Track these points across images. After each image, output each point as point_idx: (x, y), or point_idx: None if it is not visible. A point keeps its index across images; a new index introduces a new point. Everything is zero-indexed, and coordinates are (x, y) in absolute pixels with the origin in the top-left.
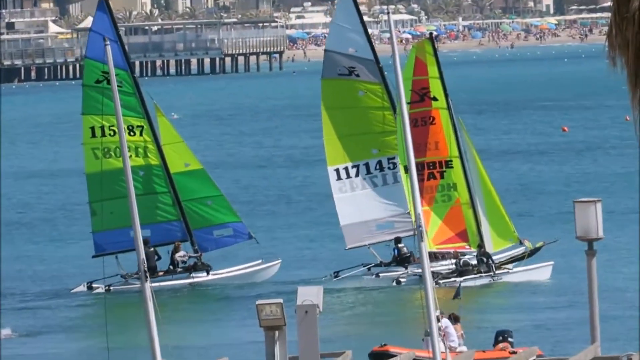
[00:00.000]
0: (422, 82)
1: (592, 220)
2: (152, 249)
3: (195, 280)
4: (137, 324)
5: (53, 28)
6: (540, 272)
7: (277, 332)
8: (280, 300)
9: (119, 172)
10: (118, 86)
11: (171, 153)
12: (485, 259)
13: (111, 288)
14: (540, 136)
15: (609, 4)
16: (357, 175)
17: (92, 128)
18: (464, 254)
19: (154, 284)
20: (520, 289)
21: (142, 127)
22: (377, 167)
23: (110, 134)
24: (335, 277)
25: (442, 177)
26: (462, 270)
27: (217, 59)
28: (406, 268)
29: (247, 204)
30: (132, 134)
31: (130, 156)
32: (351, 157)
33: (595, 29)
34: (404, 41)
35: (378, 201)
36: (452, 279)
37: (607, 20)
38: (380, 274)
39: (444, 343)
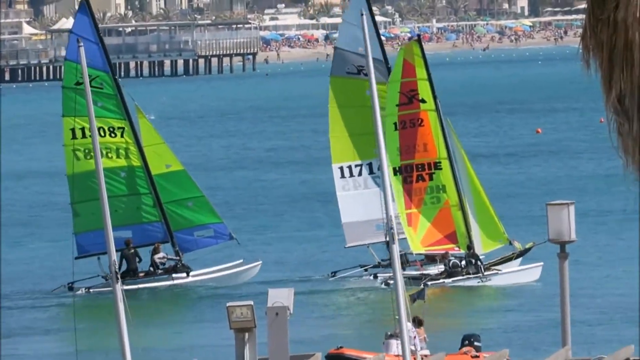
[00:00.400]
0: (411, 84)
1: (565, 223)
2: (132, 250)
3: (175, 282)
4: (110, 326)
5: (27, 29)
6: (529, 273)
7: (247, 334)
8: (251, 303)
9: None
10: (99, 88)
11: (152, 154)
12: (474, 261)
13: (91, 290)
14: (514, 138)
15: (583, 6)
16: (360, 174)
17: (73, 129)
18: (453, 256)
19: (133, 286)
20: (494, 292)
21: (123, 128)
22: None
23: (90, 135)
24: (332, 276)
25: (431, 178)
26: (451, 272)
27: (191, 61)
28: (404, 269)
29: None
30: (113, 135)
31: (112, 157)
32: (356, 156)
33: (570, 30)
34: None
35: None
36: (441, 281)
37: (581, 22)
38: (378, 275)
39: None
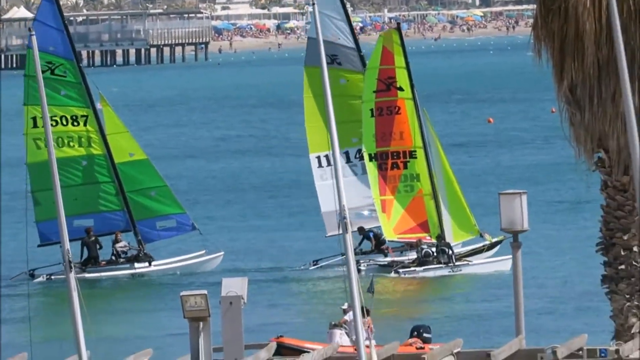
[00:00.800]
0: (389, 72)
1: (517, 212)
2: (93, 238)
3: (137, 270)
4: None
5: None
6: (499, 264)
7: (201, 324)
8: (205, 292)
9: (61, 162)
10: (62, 76)
11: (116, 143)
12: (446, 250)
13: (52, 277)
14: (465, 128)
15: None
16: None
17: (34, 118)
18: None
19: (95, 274)
20: (449, 281)
21: (87, 116)
22: (357, 155)
23: (52, 124)
24: (315, 265)
25: (405, 167)
26: (422, 260)
27: (143, 50)
28: (386, 255)
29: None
30: (75, 124)
31: (73, 146)
32: (365, 147)
33: (522, 21)
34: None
35: (357, 190)
36: (412, 269)
37: (532, 13)
38: (361, 262)
39: (348, 336)
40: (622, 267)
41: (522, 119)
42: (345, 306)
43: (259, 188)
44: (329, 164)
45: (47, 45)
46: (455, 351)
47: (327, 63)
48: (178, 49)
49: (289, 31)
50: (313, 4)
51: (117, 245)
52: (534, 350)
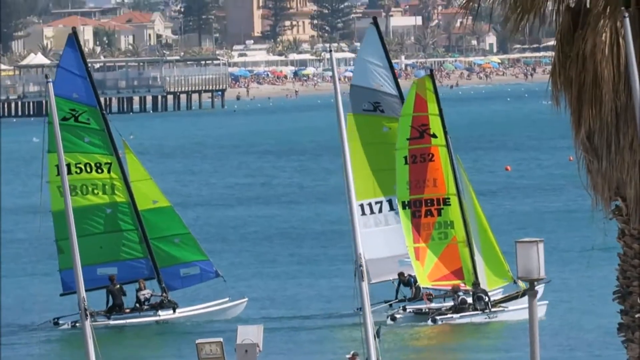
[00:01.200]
0: (422, 119)
1: (534, 261)
2: (117, 286)
3: (161, 317)
4: None
5: None
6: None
7: None
8: (220, 339)
9: (85, 210)
10: (86, 123)
11: (139, 190)
12: (482, 296)
13: (77, 324)
14: (483, 175)
15: (552, 43)
16: (380, 211)
17: (58, 166)
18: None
19: (119, 321)
20: (479, 329)
21: (110, 164)
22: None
23: (76, 172)
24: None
25: (439, 214)
26: (458, 307)
27: (160, 97)
28: (430, 300)
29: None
30: (99, 171)
31: (97, 194)
32: (375, 192)
33: (539, 67)
34: (346, 79)
35: (400, 236)
36: (449, 316)
37: (550, 60)
38: (407, 308)
39: None
40: (639, 315)
41: (540, 167)
42: (350, 355)
43: (273, 236)
44: (372, 211)
45: (71, 92)
46: None
47: (370, 110)
48: (195, 96)
49: (305, 78)
50: (330, 51)
51: (141, 292)
52: None
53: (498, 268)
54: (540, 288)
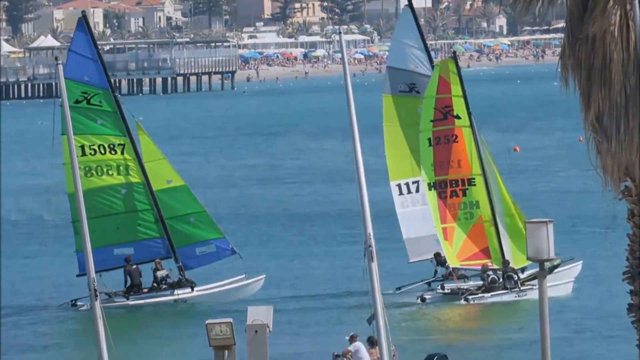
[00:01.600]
0: (446, 100)
1: (544, 241)
2: (134, 266)
3: (180, 296)
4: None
5: (5, 47)
6: (561, 288)
7: (226, 352)
8: (230, 320)
9: (101, 191)
10: (98, 105)
11: (153, 170)
12: (512, 275)
13: None
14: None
15: (561, 25)
16: (417, 190)
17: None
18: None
19: (138, 301)
20: (502, 308)
21: (124, 145)
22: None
23: (90, 153)
24: (398, 290)
25: (464, 194)
26: (489, 286)
27: (169, 79)
28: (462, 278)
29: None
30: (113, 152)
31: (112, 174)
32: (413, 172)
33: (548, 49)
34: (356, 61)
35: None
36: (480, 295)
37: (559, 41)
38: (446, 286)
39: None
40: None
41: (548, 147)
42: (348, 337)
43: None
44: (409, 191)
45: (82, 75)
46: None
47: (406, 91)
48: (205, 78)
49: (315, 60)
50: (340, 33)
51: (158, 272)
52: None
53: (524, 246)
54: (578, 266)
